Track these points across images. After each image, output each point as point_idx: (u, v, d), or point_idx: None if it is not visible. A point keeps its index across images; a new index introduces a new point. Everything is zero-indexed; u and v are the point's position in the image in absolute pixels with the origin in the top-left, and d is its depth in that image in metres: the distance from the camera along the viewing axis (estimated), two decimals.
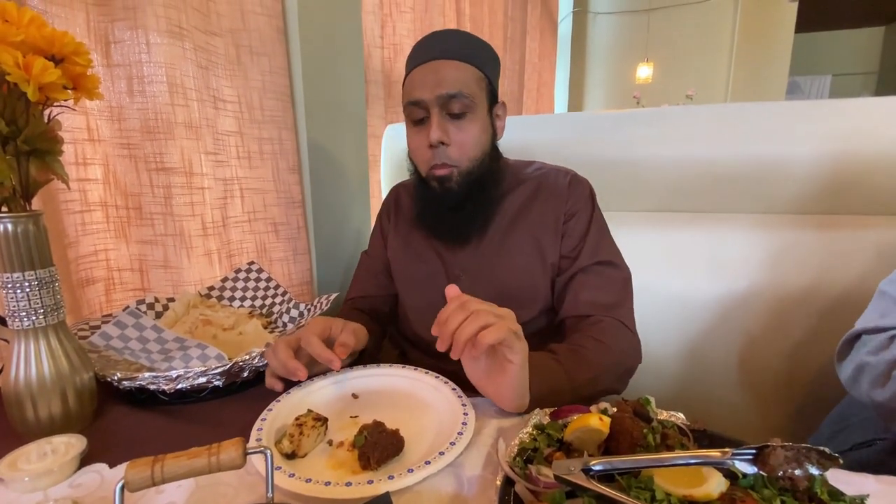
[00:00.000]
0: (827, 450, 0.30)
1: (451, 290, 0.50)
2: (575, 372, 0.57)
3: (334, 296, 0.76)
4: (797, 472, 0.31)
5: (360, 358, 0.67)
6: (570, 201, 0.72)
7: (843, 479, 0.40)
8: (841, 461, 0.30)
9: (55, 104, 0.48)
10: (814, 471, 0.30)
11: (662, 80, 4.50)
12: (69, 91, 0.48)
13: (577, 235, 0.71)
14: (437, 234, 0.76)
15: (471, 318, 0.45)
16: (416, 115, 0.68)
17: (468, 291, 0.72)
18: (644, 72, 4.39)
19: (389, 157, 1.19)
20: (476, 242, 0.74)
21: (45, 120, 0.49)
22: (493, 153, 0.73)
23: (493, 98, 0.72)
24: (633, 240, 0.79)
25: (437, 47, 0.68)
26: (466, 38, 0.71)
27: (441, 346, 0.47)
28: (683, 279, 0.89)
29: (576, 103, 4.97)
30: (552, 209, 0.72)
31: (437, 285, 0.75)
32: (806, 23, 4.65)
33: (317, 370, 0.61)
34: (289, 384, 0.57)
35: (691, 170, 0.91)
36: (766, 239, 0.86)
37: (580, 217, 0.72)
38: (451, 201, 0.69)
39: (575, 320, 0.68)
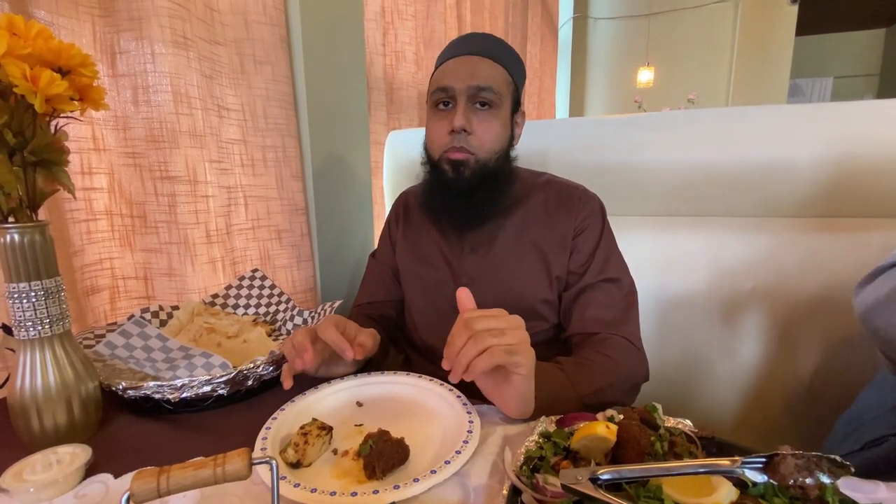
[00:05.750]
0: (838, 458, 0.30)
1: (462, 294, 0.50)
2: (580, 382, 0.57)
3: (338, 303, 0.76)
4: (808, 480, 0.30)
5: (366, 366, 0.67)
6: (579, 217, 0.72)
7: (853, 487, 0.39)
8: (853, 469, 0.29)
9: (62, 115, 0.49)
10: (825, 479, 0.30)
11: (663, 84, 4.50)
12: (76, 102, 0.48)
13: (586, 251, 0.71)
14: (442, 220, 0.76)
15: (470, 343, 0.45)
16: (442, 100, 0.69)
17: (475, 300, 0.72)
18: (645, 76, 4.39)
19: (392, 163, 1.19)
20: (485, 251, 0.73)
21: (52, 131, 0.49)
22: (508, 156, 0.74)
23: (515, 104, 0.73)
24: (636, 244, 0.79)
25: (475, 45, 0.70)
26: (503, 44, 0.72)
27: (446, 365, 0.47)
28: (686, 283, 0.89)
29: (577, 108, 4.98)
30: (561, 225, 0.72)
31: (444, 292, 0.75)
32: (807, 25, 4.66)
33: (324, 373, 0.60)
34: (297, 389, 0.57)
35: (693, 174, 0.91)
36: (769, 242, 0.86)
37: (589, 233, 0.71)
38: (461, 186, 0.69)
39: (581, 337, 0.68)
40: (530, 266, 0.72)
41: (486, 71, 0.68)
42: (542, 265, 0.71)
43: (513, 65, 0.71)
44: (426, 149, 0.74)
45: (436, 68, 0.73)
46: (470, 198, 0.70)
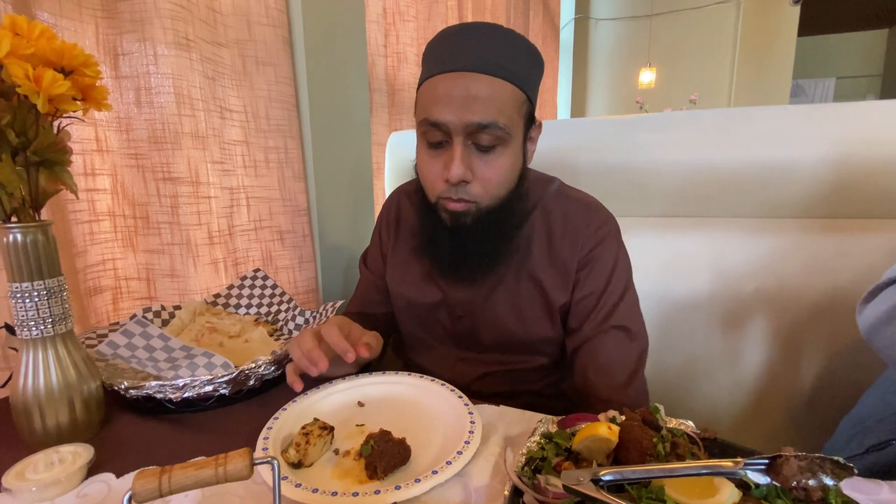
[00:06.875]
0: (841, 459, 0.30)
1: None
2: None
3: (340, 303, 0.76)
4: (811, 482, 0.30)
5: (367, 366, 0.67)
6: (585, 247, 0.63)
7: (855, 487, 0.39)
8: (856, 471, 0.29)
9: (64, 115, 0.49)
10: (828, 481, 0.30)
11: (665, 84, 4.50)
12: (78, 102, 0.49)
13: (593, 289, 0.62)
14: (439, 268, 0.67)
15: None
16: (434, 138, 0.56)
17: (469, 333, 0.69)
18: (647, 77, 4.39)
19: (393, 164, 1.19)
20: (481, 280, 0.65)
21: (55, 131, 0.49)
22: (519, 184, 0.62)
23: (530, 119, 0.60)
24: (638, 245, 0.78)
25: (472, 53, 0.53)
26: (510, 41, 0.55)
27: None
28: (689, 284, 0.89)
29: (578, 109, 4.97)
30: (563, 254, 0.63)
31: (437, 318, 0.70)
32: (809, 26, 4.66)
33: (327, 373, 0.60)
34: (307, 386, 0.57)
35: (695, 174, 0.91)
36: (771, 243, 0.85)
37: (598, 267, 0.62)
38: (460, 236, 0.60)
39: (581, 395, 0.62)
40: (529, 304, 0.64)
41: (487, 97, 0.52)
42: (541, 303, 0.64)
43: (526, 72, 0.56)
44: (418, 177, 0.63)
45: (422, 76, 0.58)
46: (472, 245, 0.61)
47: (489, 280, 0.65)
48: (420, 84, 0.59)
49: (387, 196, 1.24)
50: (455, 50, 0.54)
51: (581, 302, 0.63)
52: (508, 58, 0.54)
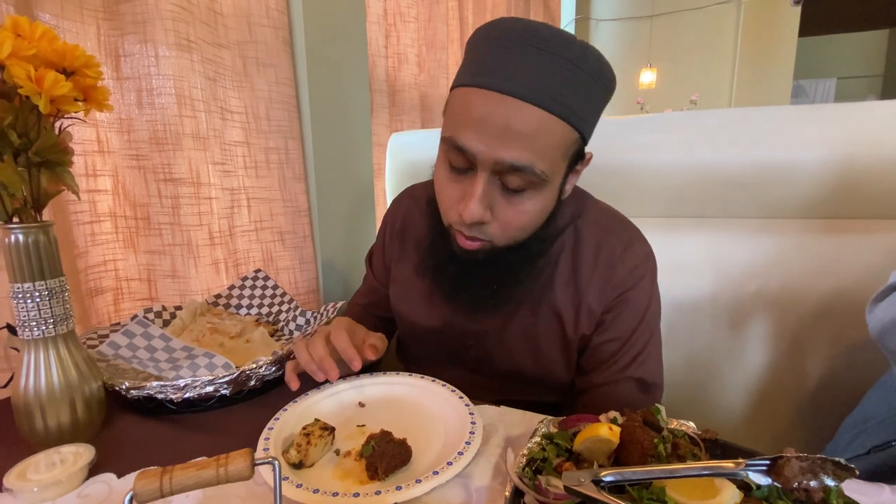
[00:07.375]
0: (843, 460, 0.30)
1: None
2: None
3: (341, 304, 0.76)
4: (812, 483, 0.30)
5: (368, 366, 0.67)
6: (619, 288, 0.56)
7: (857, 490, 0.39)
8: (857, 472, 0.29)
9: (66, 116, 0.49)
10: (829, 482, 0.30)
11: (666, 85, 4.50)
12: (80, 103, 0.49)
13: (617, 336, 0.57)
14: (442, 293, 0.62)
15: None
16: (457, 163, 0.49)
17: (476, 365, 0.66)
18: (647, 77, 4.39)
19: (394, 165, 1.19)
20: (493, 309, 0.60)
21: (56, 132, 0.49)
22: (548, 221, 0.55)
23: (578, 157, 0.52)
24: None
25: (523, 74, 0.43)
26: (576, 62, 0.44)
27: None
28: (690, 285, 0.89)
29: None
30: (593, 288, 0.57)
31: (442, 341, 0.67)
32: (810, 26, 4.65)
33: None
34: (300, 389, 0.57)
35: (696, 175, 0.91)
36: (773, 243, 0.85)
37: (627, 312, 0.57)
38: (468, 266, 0.55)
39: None
40: (546, 341, 0.59)
41: (530, 134, 0.44)
42: (559, 341, 0.59)
43: (583, 105, 0.46)
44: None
45: (460, 76, 0.49)
46: (480, 278, 0.56)
47: (503, 311, 0.60)
48: (456, 84, 0.49)
49: (388, 197, 1.25)
50: (504, 62, 0.44)
51: (601, 347, 0.58)
52: (568, 87, 0.44)
